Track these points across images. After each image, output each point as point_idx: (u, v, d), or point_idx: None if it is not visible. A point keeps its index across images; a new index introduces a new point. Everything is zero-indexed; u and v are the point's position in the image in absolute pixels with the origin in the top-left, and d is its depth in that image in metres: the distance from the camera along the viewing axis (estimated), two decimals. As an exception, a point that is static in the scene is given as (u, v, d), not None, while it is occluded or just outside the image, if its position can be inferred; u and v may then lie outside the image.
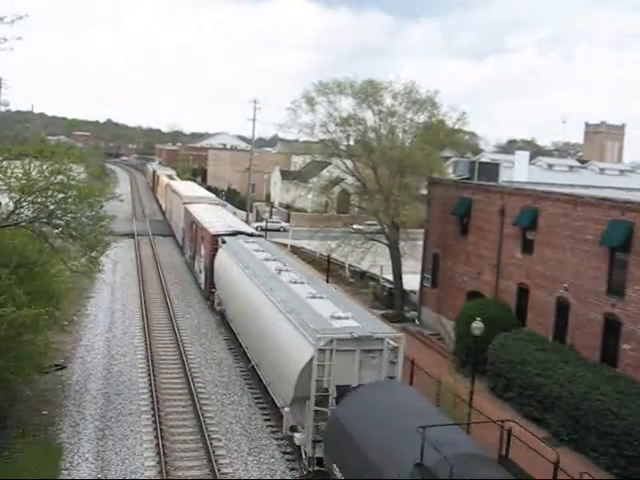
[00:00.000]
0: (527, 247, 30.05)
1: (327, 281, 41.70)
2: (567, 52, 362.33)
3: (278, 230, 70.96)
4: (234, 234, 37.91)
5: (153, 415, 23.31)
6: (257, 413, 24.29)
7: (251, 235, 39.22)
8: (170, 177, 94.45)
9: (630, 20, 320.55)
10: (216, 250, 36.04)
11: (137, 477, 19.56)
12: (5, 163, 22.41)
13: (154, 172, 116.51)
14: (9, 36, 19.52)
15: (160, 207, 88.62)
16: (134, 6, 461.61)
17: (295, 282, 25.41)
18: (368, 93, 38.99)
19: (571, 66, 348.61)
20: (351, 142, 41.18)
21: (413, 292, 41.65)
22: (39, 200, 21.97)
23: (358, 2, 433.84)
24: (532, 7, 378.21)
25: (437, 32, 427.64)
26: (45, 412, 23.40)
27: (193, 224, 46.99)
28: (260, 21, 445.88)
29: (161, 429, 22.20)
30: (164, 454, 20.48)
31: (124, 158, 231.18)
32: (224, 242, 35.49)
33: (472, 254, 34.23)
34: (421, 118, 39.62)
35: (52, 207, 22.23)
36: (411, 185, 39.04)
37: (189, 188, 71.14)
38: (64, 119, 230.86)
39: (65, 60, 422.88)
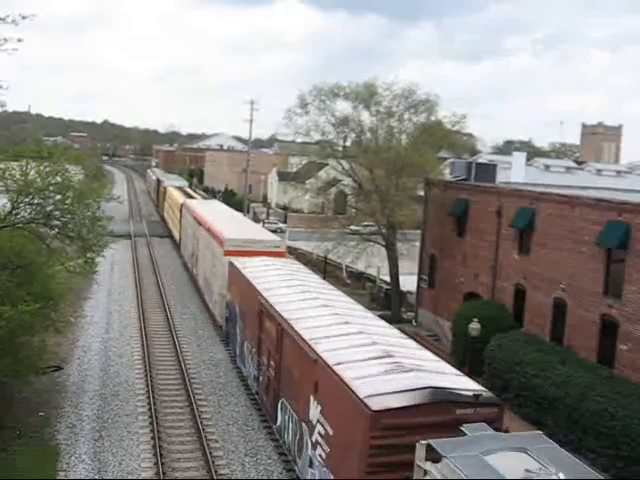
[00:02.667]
0: (524, 248, 30.07)
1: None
2: (564, 53, 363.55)
3: (275, 231, 70.81)
4: (437, 405, 14.51)
5: (150, 416, 23.27)
6: (254, 414, 24.26)
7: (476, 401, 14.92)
8: (184, 192, 70.27)
9: (625, 22, 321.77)
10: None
11: (134, 478, 19.54)
12: (2, 164, 22.40)
13: (159, 182, 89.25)
14: (9, 37, 18.76)
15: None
16: (132, 7, 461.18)
17: None
18: (364, 96, 38.96)
19: (568, 67, 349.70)
20: (347, 143, 41.21)
21: (410, 293, 41.65)
22: (36, 201, 21.95)
23: (355, 5, 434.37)
24: (529, 9, 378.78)
25: (434, 34, 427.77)
26: (42, 413, 23.34)
27: (269, 319, 22.46)
28: (257, 23, 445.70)
29: (158, 430, 22.19)
30: (161, 455, 20.45)
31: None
32: (439, 461, 12.08)
33: (469, 255, 34.24)
34: (419, 119, 39.64)
35: (49, 208, 22.20)
36: (407, 186, 39.00)
37: (226, 219, 43.73)
38: (61, 120, 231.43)
39: (63, 61, 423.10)
